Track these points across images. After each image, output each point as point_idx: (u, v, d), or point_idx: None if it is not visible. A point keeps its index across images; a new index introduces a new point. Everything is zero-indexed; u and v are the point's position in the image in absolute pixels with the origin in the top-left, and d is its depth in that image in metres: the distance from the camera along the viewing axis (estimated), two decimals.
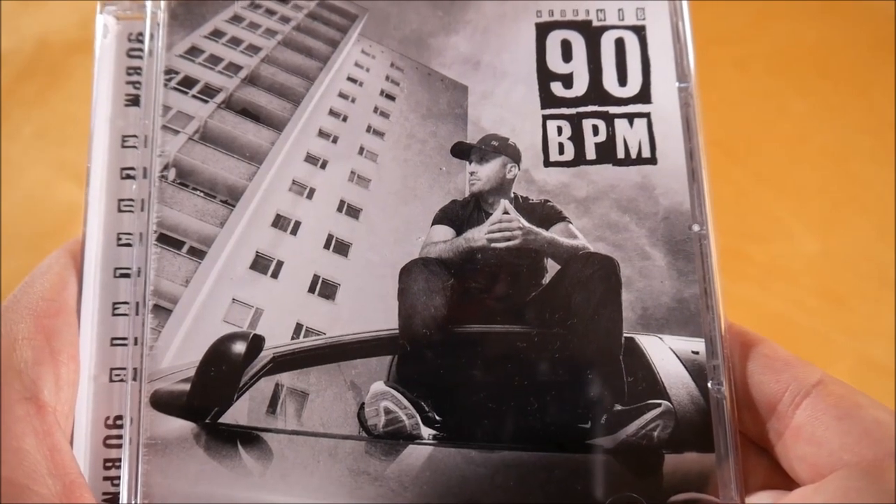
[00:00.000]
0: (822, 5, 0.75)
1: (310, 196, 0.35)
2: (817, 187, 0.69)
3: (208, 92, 0.36)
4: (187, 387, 0.33)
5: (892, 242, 0.65)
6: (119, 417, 0.33)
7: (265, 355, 0.33)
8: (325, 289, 0.34)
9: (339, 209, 0.35)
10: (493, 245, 0.35)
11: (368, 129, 0.36)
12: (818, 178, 0.69)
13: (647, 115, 0.36)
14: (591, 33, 0.37)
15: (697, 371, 0.33)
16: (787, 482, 0.32)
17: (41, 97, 0.70)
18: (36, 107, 0.70)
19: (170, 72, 0.36)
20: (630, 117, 0.36)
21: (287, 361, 0.33)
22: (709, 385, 0.33)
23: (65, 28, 0.73)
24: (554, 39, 0.37)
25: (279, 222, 0.35)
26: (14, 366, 0.30)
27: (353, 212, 0.35)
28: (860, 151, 0.70)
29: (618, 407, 0.33)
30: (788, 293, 0.65)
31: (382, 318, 0.34)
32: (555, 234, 0.35)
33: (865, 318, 0.64)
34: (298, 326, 0.34)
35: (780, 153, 0.70)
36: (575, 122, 0.36)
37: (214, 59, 0.37)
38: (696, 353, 0.33)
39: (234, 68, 0.37)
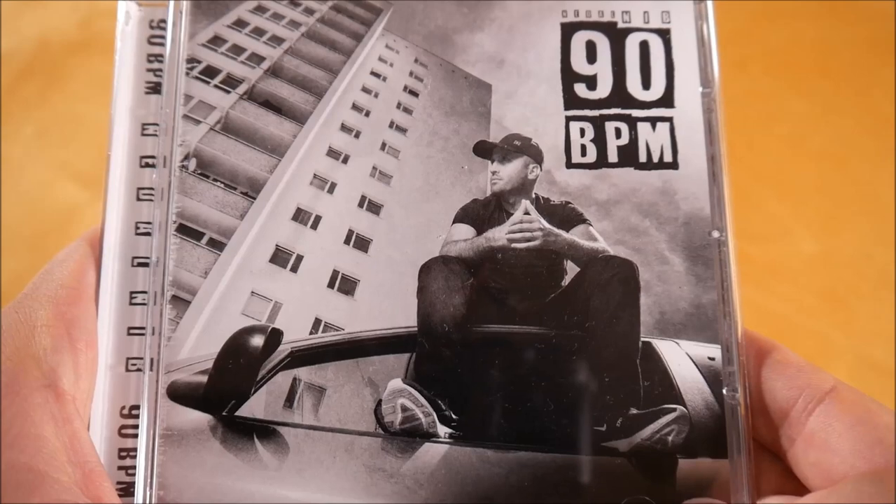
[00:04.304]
0: (822, 5, 0.75)
1: (331, 191, 0.35)
2: (817, 187, 0.69)
3: (230, 82, 0.36)
4: (205, 378, 0.33)
5: (891, 242, 0.65)
6: (135, 407, 0.33)
7: (283, 349, 0.33)
8: (344, 284, 0.34)
9: (361, 205, 0.35)
10: (514, 245, 0.35)
11: (391, 125, 0.36)
12: (818, 178, 0.69)
13: (669, 120, 0.36)
14: (616, 35, 0.37)
15: (713, 377, 0.33)
16: (798, 489, 0.32)
17: (41, 97, 0.70)
18: (36, 107, 0.70)
19: (192, 60, 0.35)
20: (653, 121, 0.36)
21: (305, 356, 0.33)
22: (724, 391, 0.33)
23: (65, 28, 0.72)
24: (579, 40, 0.37)
25: (300, 216, 0.35)
26: (33, 353, 0.30)
27: (375, 208, 0.35)
28: (860, 151, 0.70)
29: (633, 410, 0.33)
30: (788, 293, 0.65)
31: (401, 315, 0.34)
32: (575, 236, 0.35)
33: (865, 318, 0.64)
34: (317, 321, 0.34)
35: (780, 153, 0.70)
36: (598, 124, 0.36)
37: (237, 49, 0.36)
38: (713, 359, 0.34)
39: (256, 59, 0.37)
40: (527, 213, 0.35)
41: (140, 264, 0.34)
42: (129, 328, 0.33)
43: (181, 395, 0.32)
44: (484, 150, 0.36)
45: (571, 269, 0.35)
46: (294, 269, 0.34)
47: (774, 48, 0.74)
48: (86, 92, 0.70)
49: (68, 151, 0.68)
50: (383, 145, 0.36)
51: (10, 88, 0.70)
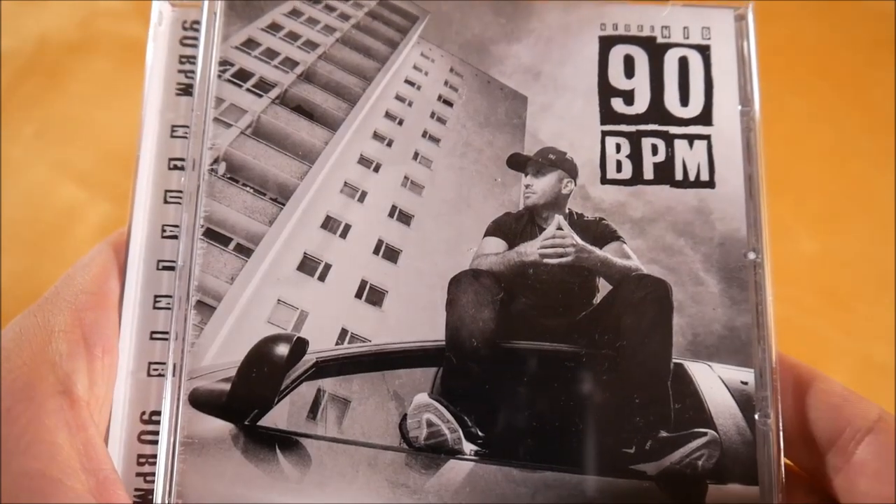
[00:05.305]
0: (822, 5, 0.75)
1: (361, 199, 0.35)
2: (817, 187, 0.69)
3: (263, 86, 0.35)
4: (228, 386, 0.32)
5: (892, 242, 0.65)
6: (155, 413, 0.32)
7: (308, 359, 0.33)
8: (372, 295, 0.34)
9: (391, 214, 0.35)
10: (546, 261, 0.34)
11: (424, 135, 0.36)
12: (818, 178, 0.69)
13: (707, 138, 0.35)
14: (655, 50, 0.36)
15: (745, 402, 0.33)
16: None
17: (41, 97, 0.70)
18: (36, 107, 0.69)
19: (224, 63, 0.35)
20: (690, 139, 0.35)
21: (330, 367, 0.33)
22: (756, 417, 0.33)
23: (65, 28, 0.72)
24: (617, 54, 0.36)
25: (329, 224, 0.34)
26: (49, 359, 0.29)
27: (405, 218, 0.35)
28: (860, 151, 0.70)
29: (663, 433, 0.32)
30: (789, 293, 0.64)
31: (429, 328, 0.33)
32: (608, 253, 0.34)
33: (865, 319, 0.64)
34: (343, 332, 0.33)
35: (780, 153, 0.70)
36: (634, 139, 0.35)
37: (271, 53, 0.36)
38: (745, 383, 0.33)
39: (290, 63, 0.36)
40: (560, 228, 0.35)
41: (165, 268, 0.33)
42: (152, 332, 0.33)
43: (203, 402, 0.32)
44: (518, 163, 0.35)
45: (604, 287, 0.34)
46: (322, 278, 0.34)
47: (774, 48, 0.73)
48: (86, 92, 0.69)
49: (68, 151, 0.68)
50: (416, 155, 0.35)
51: (10, 88, 0.69)
